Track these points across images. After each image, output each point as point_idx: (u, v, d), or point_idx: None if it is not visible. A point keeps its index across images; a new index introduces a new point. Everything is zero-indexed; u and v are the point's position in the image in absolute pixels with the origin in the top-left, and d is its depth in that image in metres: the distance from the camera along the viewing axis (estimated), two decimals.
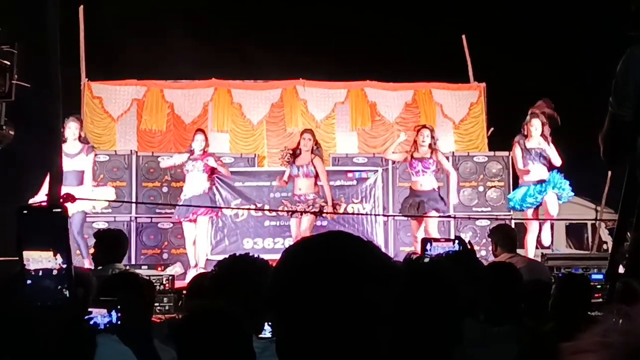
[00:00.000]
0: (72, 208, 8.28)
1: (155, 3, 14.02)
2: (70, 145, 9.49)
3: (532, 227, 9.83)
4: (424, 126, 10.26)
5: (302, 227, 9.80)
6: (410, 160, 9.86)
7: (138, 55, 13.35)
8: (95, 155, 10.08)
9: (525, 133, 9.83)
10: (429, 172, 9.83)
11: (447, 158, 11.84)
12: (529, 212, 9.84)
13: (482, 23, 13.91)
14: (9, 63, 6.03)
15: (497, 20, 14.14)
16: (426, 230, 9.74)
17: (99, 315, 2.75)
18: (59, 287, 2.41)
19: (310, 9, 14.59)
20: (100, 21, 12.77)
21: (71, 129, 9.60)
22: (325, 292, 1.37)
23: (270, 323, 3.22)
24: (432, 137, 9.87)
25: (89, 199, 9.28)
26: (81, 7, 12.30)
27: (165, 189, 11.35)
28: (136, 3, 13.71)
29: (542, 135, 9.78)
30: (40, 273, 2.40)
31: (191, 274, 9.25)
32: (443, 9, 14.60)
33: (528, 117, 9.83)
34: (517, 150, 9.83)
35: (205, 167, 9.96)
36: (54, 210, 2.47)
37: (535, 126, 9.75)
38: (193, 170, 9.94)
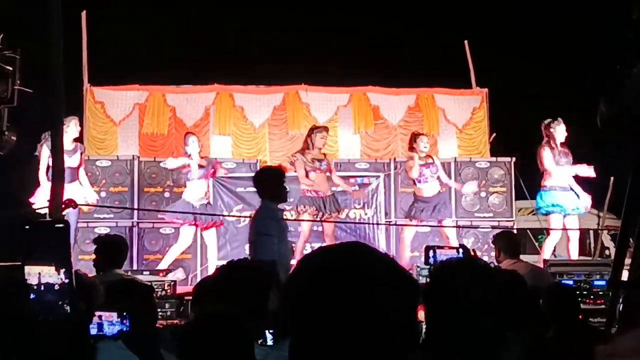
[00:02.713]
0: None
1: (157, 8, 14.05)
2: (67, 142, 9.52)
3: (555, 234, 9.94)
4: (423, 133, 10.48)
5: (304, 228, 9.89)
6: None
7: (140, 60, 13.36)
8: (82, 153, 10.12)
9: (549, 138, 9.87)
10: (435, 178, 10.03)
11: (449, 163, 11.87)
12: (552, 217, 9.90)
13: (484, 29, 13.91)
14: (11, 68, 6.03)
15: (500, 26, 14.15)
16: (446, 237, 10.18)
17: (107, 324, 2.75)
18: (61, 302, 2.41)
19: (312, 14, 14.61)
20: (103, 26, 12.78)
21: (71, 127, 9.73)
22: (340, 297, 1.40)
23: (271, 330, 3.21)
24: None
25: (91, 205, 9.30)
26: (84, 12, 12.30)
27: (167, 194, 11.32)
28: (138, 8, 13.74)
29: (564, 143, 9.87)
30: (43, 288, 2.40)
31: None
32: (446, 14, 14.61)
33: (553, 123, 9.88)
34: (546, 152, 9.84)
35: (207, 174, 10.17)
36: (56, 225, 2.47)
37: (559, 132, 9.82)
38: (196, 178, 10.03)
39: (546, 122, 9.95)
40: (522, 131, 10.28)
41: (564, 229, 9.93)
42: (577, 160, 10.07)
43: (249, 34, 14.54)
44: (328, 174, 10.07)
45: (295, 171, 10.02)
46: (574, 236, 9.99)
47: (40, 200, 9.19)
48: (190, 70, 13.16)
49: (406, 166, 10.31)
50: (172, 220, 10.36)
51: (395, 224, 11.44)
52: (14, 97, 5.98)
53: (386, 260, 1.49)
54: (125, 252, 6.79)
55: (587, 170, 9.93)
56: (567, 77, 14.16)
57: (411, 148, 10.19)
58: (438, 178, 10.22)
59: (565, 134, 9.91)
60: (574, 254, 9.88)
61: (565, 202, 9.82)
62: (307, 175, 9.82)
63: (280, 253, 6.18)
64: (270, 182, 6.57)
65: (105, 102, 12.53)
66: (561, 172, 9.84)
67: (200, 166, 10.16)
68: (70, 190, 9.37)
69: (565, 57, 14.13)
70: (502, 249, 6.97)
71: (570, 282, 7.86)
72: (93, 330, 2.80)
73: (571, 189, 9.94)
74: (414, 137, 10.25)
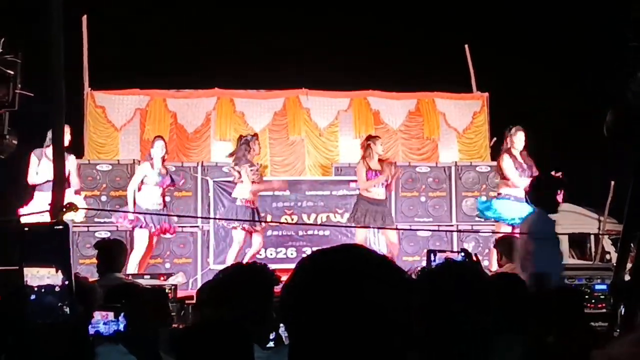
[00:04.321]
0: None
1: (158, 13, 14.06)
2: None
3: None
4: (378, 137, 10.30)
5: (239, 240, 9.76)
6: (369, 170, 9.81)
7: (140, 64, 13.37)
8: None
9: (509, 145, 9.72)
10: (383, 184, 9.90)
11: (450, 168, 11.85)
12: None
13: (484, 33, 13.92)
14: (12, 72, 6.03)
15: (500, 30, 14.14)
16: (391, 242, 9.97)
17: (103, 323, 2.75)
18: (60, 303, 2.41)
19: (312, 19, 14.62)
20: (104, 31, 12.79)
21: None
22: (338, 298, 1.40)
23: (273, 334, 3.20)
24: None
25: (92, 209, 9.28)
26: (84, 17, 12.32)
27: (168, 198, 11.30)
28: (139, 13, 13.75)
29: (524, 149, 9.71)
30: (43, 290, 2.40)
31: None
32: (446, 18, 14.61)
33: (513, 130, 9.74)
34: (507, 160, 9.71)
35: (163, 182, 9.81)
36: (55, 227, 2.47)
37: (520, 138, 9.67)
38: (152, 184, 9.72)
39: (508, 129, 9.83)
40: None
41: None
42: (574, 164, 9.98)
43: (249, 38, 14.54)
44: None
45: (237, 181, 9.85)
46: None
47: (34, 209, 9.03)
48: (191, 74, 13.16)
49: (358, 170, 9.98)
50: (123, 223, 9.94)
51: (396, 229, 11.43)
52: (15, 101, 5.98)
53: (383, 260, 1.49)
54: (122, 256, 6.77)
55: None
56: (567, 81, 14.17)
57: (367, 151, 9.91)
58: (386, 185, 10.03)
59: (524, 143, 9.69)
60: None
61: (511, 213, 9.69)
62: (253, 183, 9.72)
63: (558, 260, 6.40)
64: (548, 192, 6.68)
65: (106, 106, 12.54)
66: (520, 182, 9.71)
67: (160, 173, 9.79)
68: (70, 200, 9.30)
69: (566, 61, 14.14)
70: (504, 253, 6.98)
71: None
72: (89, 330, 2.80)
73: (525, 200, 9.82)
74: (373, 140, 10.03)
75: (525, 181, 9.65)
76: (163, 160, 9.86)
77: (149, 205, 9.69)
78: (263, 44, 14.33)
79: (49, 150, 9.12)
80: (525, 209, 9.70)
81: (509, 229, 9.60)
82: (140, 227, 9.66)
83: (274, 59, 14.00)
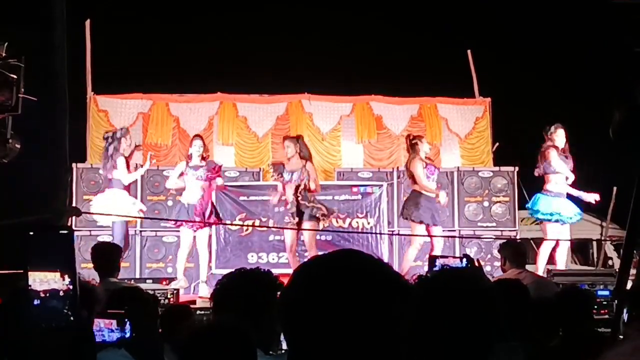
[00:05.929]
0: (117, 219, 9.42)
1: (161, 17, 14.08)
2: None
3: (549, 242, 9.84)
4: (422, 135, 10.37)
5: (305, 238, 9.76)
6: (426, 167, 9.85)
7: (144, 69, 13.38)
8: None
9: (551, 143, 9.77)
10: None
11: (452, 173, 11.85)
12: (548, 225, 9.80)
13: (487, 38, 13.93)
14: (15, 77, 6.04)
15: (503, 36, 14.16)
16: (433, 245, 9.84)
17: (107, 330, 2.74)
18: (65, 308, 2.41)
19: (316, 24, 14.64)
20: (107, 35, 12.82)
21: (128, 140, 9.97)
22: (335, 304, 1.39)
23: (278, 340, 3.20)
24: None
25: (95, 213, 9.29)
26: (88, 21, 12.34)
27: (170, 203, 11.32)
28: (142, 17, 13.78)
29: (565, 147, 9.78)
30: (48, 294, 2.40)
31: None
32: (449, 24, 14.62)
33: (553, 128, 9.78)
34: (553, 153, 9.71)
35: (207, 177, 9.83)
36: (60, 232, 2.47)
37: (560, 135, 9.75)
38: (193, 179, 9.80)
39: (547, 129, 9.88)
40: (525, 141, 10.26)
41: (558, 239, 9.82)
42: (577, 167, 9.99)
43: (252, 43, 14.57)
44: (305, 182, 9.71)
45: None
46: (565, 244, 9.89)
47: (99, 204, 9.54)
48: (194, 78, 13.18)
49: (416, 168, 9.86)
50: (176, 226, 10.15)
51: (398, 234, 11.44)
52: (18, 105, 5.98)
53: (380, 266, 1.47)
54: (117, 259, 6.78)
55: (589, 197, 9.84)
56: (570, 85, 14.17)
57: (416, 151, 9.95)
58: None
59: (565, 139, 9.85)
60: (562, 262, 9.78)
61: (564, 210, 9.75)
62: (283, 187, 9.69)
63: None
64: None
65: (109, 110, 12.55)
66: (562, 178, 9.75)
67: (199, 167, 9.84)
68: (119, 197, 9.51)
69: (569, 66, 14.15)
70: (508, 258, 6.93)
71: None
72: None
73: (568, 196, 9.86)
74: (419, 138, 10.10)
75: (560, 179, 9.69)
76: (202, 158, 9.92)
77: (190, 201, 9.78)
78: (266, 48, 14.35)
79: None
80: (569, 204, 9.74)
81: (558, 228, 9.62)
82: (186, 227, 9.79)
83: (276, 63, 14.02)
